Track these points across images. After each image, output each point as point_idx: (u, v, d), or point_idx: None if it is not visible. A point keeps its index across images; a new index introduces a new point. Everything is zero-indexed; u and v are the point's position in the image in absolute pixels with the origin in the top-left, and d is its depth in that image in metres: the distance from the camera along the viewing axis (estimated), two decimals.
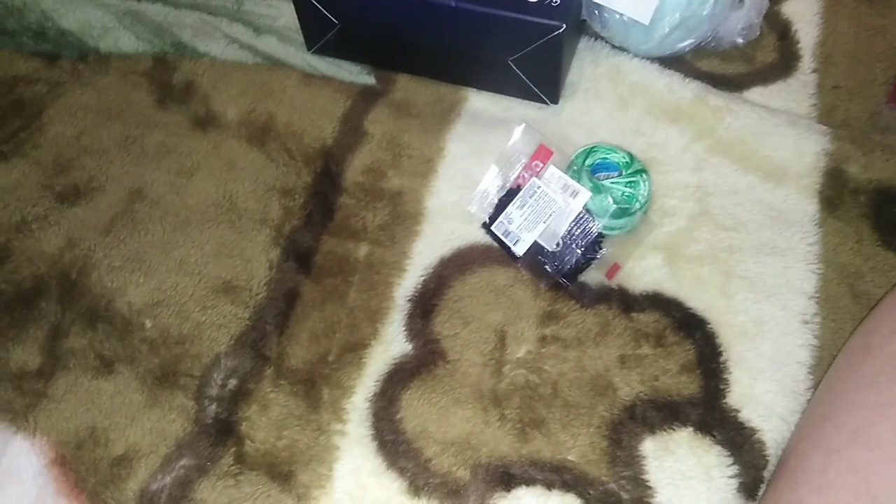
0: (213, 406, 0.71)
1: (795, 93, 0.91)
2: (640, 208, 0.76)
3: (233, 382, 0.72)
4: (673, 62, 0.91)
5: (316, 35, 0.94)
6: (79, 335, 0.75)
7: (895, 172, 0.82)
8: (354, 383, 0.72)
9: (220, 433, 0.70)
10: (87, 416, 0.70)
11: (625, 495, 0.65)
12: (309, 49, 0.96)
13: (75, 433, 0.70)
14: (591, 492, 0.66)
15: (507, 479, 0.67)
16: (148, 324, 0.75)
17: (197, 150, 0.88)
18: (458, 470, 0.67)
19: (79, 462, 0.68)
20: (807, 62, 0.94)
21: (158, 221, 0.82)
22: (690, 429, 0.68)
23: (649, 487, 0.65)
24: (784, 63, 0.94)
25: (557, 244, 0.76)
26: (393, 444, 0.69)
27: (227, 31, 0.99)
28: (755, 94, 0.91)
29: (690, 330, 0.73)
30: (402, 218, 0.82)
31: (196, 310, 0.76)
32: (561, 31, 0.79)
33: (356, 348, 0.74)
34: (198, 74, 0.95)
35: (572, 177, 0.77)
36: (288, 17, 0.99)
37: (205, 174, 0.86)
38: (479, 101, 0.91)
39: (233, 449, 0.69)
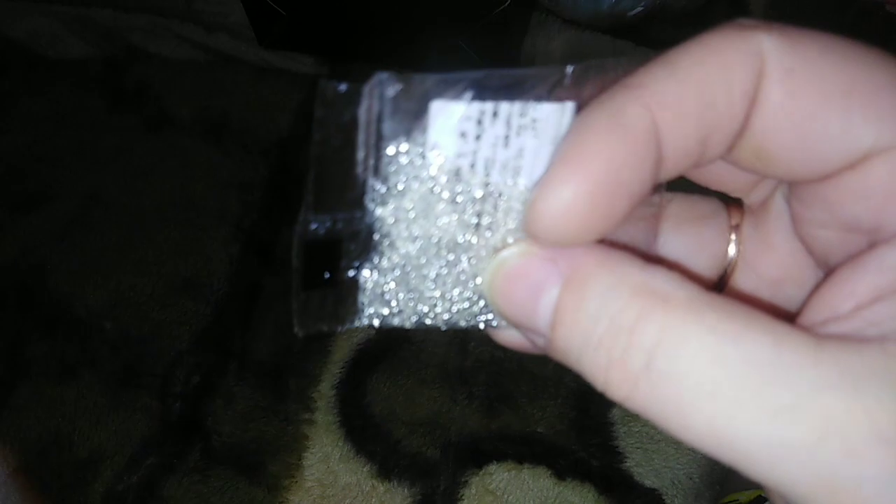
0: (178, 403, 0.70)
1: None
2: None
3: (197, 379, 0.72)
4: (625, 32, 0.91)
5: (266, 28, 0.93)
6: (39, 342, 0.74)
7: None
8: (320, 372, 0.72)
9: (185, 430, 0.69)
10: (50, 422, 0.69)
11: (595, 462, 0.65)
12: (260, 43, 0.95)
13: (38, 440, 0.69)
14: (561, 462, 0.65)
15: (478, 455, 0.66)
16: (108, 326, 0.74)
17: (151, 152, 0.87)
18: (428, 450, 0.67)
19: (43, 468, 0.67)
20: None
21: (115, 224, 0.81)
22: None
23: (619, 453, 0.65)
24: None
25: None
26: (361, 428, 0.68)
27: (177, 31, 0.98)
28: None
29: None
30: None
31: (156, 309, 0.75)
32: (507, 4, 0.78)
33: (320, 337, 0.74)
34: (149, 76, 0.94)
35: None
36: (238, 13, 0.98)
37: (160, 174, 0.85)
38: None
39: (199, 445, 0.68)
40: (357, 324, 0.22)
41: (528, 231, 0.18)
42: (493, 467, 0.66)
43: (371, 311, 0.22)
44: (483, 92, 0.20)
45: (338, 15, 0.88)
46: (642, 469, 0.64)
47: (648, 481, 0.64)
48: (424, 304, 0.22)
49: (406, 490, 0.65)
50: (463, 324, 0.22)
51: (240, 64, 0.95)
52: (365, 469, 0.66)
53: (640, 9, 0.87)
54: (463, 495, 0.65)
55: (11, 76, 0.95)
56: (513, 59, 0.87)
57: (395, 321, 0.22)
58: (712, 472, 0.64)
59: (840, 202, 0.18)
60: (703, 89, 0.17)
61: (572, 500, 0.63)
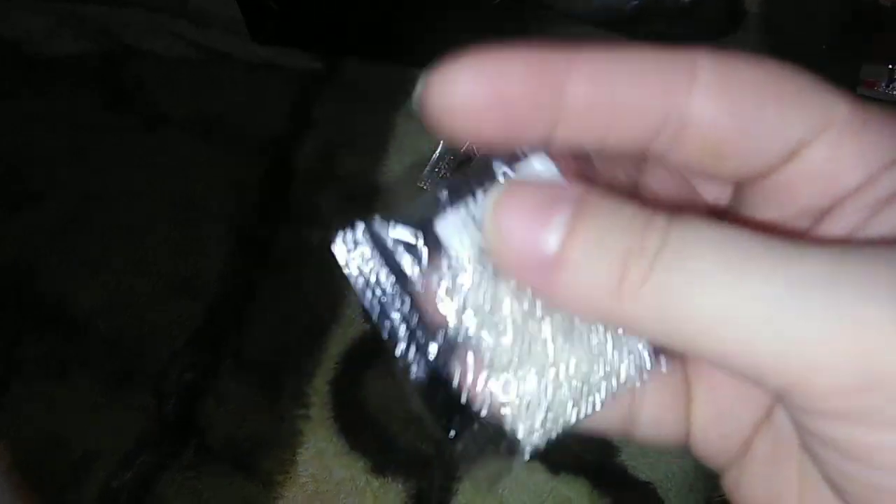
0: (173, 401, 0.70)
1: (742, 49, 0.90)
2: None
3: (192, 377, 0.72)
4: (619, 26, 0.91)
5: (259, 24, 0.93)
6: (34, 342, 0.74)
7: None
8: (315, 368, 0.72)
9: (180, 428, 0.69)
10: (44, 421, 0.69)
11: (589, 456, 0.65)
12: (254, 39, 0.95)
13: (33, 439, 0.69)
14: (555, 456, 0.65)
15: None
16: (103, 325, 0.74)
17: (147, 150, 0.87)
18: (423, 445, 0.67)
19: (37, 467, 0.67)
20: (753, 18, 0.93)
21: (111, 223, 0.81)
22: None
23: (613, 447, 0.65)
24: (731, 20, 0.93)
25: None
26: (356, 424, 0.68)
27: (172, 27, 0.98)
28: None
29: None
30: (356, 200, 0.82)
31: (152, 308, 0.75)
32: None
33: (315, 333, 0.74)
34: (144, 74, 0.94)
35: None
36: (233, 9, 0.98)
37: (156, 173, 0.85)
38: None
39: (194, 442, 0.68)
40: (525, 453, 0.21)
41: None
42: None
43: (526, 430, 0.20)
44: (454, 194, 0.20)
45: (331, 9, 0.88)
46: (636, 462, 0.64)
47: (643, 474, 0.64)
48: (571, 391, 0.20)
49: (400, 485, 0.65)
50: (615, 384, 0.21)
51: (234, 60, 0.94)
52: (359, 464, 0.66)
53: (634, 2, 0.87)
54: (458, 490, 0.65)
55: (6, 75, 0.95)
56: None
57: (553, 429, 0.21)
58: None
59: (791, 194, 0.19)
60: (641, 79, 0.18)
61: (567, 494, 0.63)
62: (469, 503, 0.64)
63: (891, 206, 0.17)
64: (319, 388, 0.70)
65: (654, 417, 0.22)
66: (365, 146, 0.85)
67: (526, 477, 0.65)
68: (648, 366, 0.21)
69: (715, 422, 0.22)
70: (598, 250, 0.17)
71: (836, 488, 0.17)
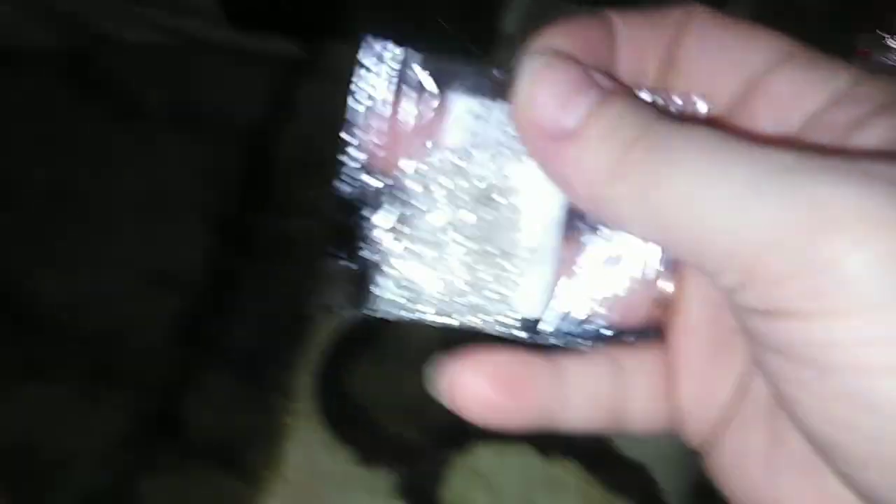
0: (154, 398, 0.69)
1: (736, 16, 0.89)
2: None
3: (172, 372, 0.70)
4: (605, 4, 0.89)
5: (236, 9, 0.91)
6: (5, 343, 0.72)
7: None
8: (300, 359, 0.70)
9: (162, 425, 0.68)
10: (19, 424, 0.68)
11: (579, 439, 0.64)
12: (231, 25, 0.93)
13: (8, 444, 0.67)
14: (545, 439, 0.64)
15: (463, 437, 0.65)
16: (80, 322, 0.73)
17: (121, 142, 0.85)
18: (412, 434, 0.66)
19: (14, 472, 0.66)
20: None
21: (86, 219, 0.80)
22: None
23: None
24: None
25: None
26: (343, 415, 0.67)
27: (145, 15, 0.96)
28: None
29: None
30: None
31: (129, 303, 0.74)
32: None
33: (300, 323, 0.72)
34: (117, 63, 0.92)
35: None
36: None
37: (132, 165, 0.83)
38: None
39: (176, 439, 0.67)
40: (367, 310, 0.23)
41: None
42: (477, 447, 0.64)
43: (385, 295, 0.23)
44: (484, 86, 0.22)
45: None
46: (628, 443, 0.63)
47: (634, 455, 0.63)
48: (440, 294, 0.23)
49: (390, 475, 0.64)
50: (476, 322, 0.23)
51: (210, 47, 0.93)
52: (347, 456, 0.65)
53: None
54: (448, 477, 0.64)
55: None
56: (491, 35, 0.85)
57: (404, 313, 0.23)
58: None
59: (760, 118, 0.21)
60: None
61: (558, 477, 0.62)
62: (457, 491, 0.63)
63: (860, 130, 0.19)
64: (305, 381, 0.69)
65: (644, 408, 0.24)
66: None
67: (517, 460, 0.63)
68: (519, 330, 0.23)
69: (699, 400, 0.23)
70: (608, 134, 0.19)
71: (788, 408, 0.18)
